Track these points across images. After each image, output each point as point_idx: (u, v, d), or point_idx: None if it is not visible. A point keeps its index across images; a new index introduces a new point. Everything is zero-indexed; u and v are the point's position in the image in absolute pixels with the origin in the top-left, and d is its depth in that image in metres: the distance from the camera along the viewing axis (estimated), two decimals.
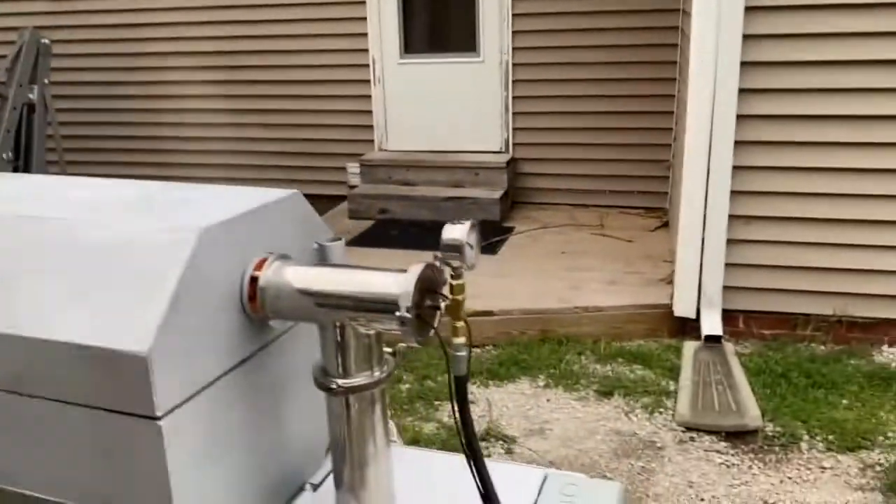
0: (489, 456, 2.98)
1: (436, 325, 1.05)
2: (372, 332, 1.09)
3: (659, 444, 3.06)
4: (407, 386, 3.52)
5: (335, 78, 5.82)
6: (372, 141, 5.90)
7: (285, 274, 1.10)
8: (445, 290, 1.07)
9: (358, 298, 1.04)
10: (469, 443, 1.10)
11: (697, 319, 3.81)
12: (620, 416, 3.26)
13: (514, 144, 5.67)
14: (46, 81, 4.53)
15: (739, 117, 3.56)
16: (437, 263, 1.07)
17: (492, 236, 5.00)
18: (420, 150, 5.77)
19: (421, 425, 3.19)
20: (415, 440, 3.06)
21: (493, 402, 3.38)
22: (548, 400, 3.40)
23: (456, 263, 1.05)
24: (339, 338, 1.08)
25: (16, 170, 4.43)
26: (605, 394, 3.42)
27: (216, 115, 6.13)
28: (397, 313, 0.99)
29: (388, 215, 5.43)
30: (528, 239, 5.01)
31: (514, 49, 5.49)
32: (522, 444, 3.07)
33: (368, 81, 5.80)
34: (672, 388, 3.43)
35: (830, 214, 3.62)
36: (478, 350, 3.84)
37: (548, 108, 5.52)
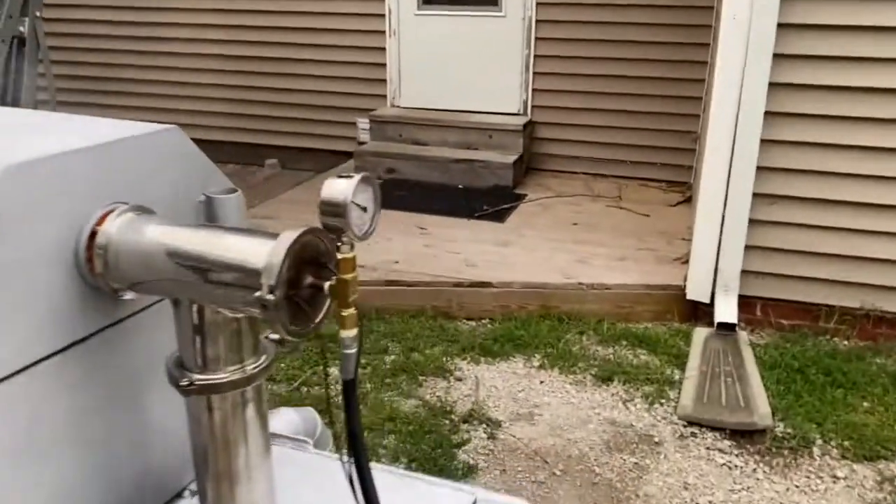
0: (468, 440, 2.75)
1: (322, 313, 0.80)
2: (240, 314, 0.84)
3: (656, 439, 2.80)
4: (392, 357, 3.29)
5: (348, 27, 5.51)
6: (385, 96, 5.62)
7: (133, 231, 0.85)
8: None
9: (209, 268, 0.79)
10: (357, 461, 0.85)
11: (711, 304, 3.52)
12: (618, 405, 3.00)
13: (533, 107, 5.35)
14: (38, 14, 4.29)
15: (772, 85, 3.22)
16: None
17: (501, 203, 4.73)
18: (433, 108, 5.47)
19: (400, 402, 2.96)
20: (390, 418, 2.83)
21: (482, 381, 3.14)
22: (541, 382, 3.15)
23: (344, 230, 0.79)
24: (196, 319, 0.84)
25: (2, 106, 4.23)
26: (604, 379, 3.16)
27: (220, 62, 5.86)
28: (257, 294, 0.74)
29: (396, 175, 5.16)
30: (539, 207, 4.73)
31: (538, 4, 5.14)
32: (507, 429, 2.83)
33: (383, 33, 5.49)
34: (677, 377, 3.16)
35: (863, 198, 3.28)
36: (473, 323, 3.59)
37: (571, 70, 5.18)
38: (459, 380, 3.15)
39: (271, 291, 0.73)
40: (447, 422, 2.85)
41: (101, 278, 0.85)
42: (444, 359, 3.27)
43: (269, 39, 5.70)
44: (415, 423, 2.82)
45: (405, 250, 3.97)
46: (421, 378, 3.14)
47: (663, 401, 3.02)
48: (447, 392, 3.05)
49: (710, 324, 3.48)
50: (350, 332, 0.79)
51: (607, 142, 5.23)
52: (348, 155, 5.43)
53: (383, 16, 5.44)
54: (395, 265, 3.78)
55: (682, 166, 5.05)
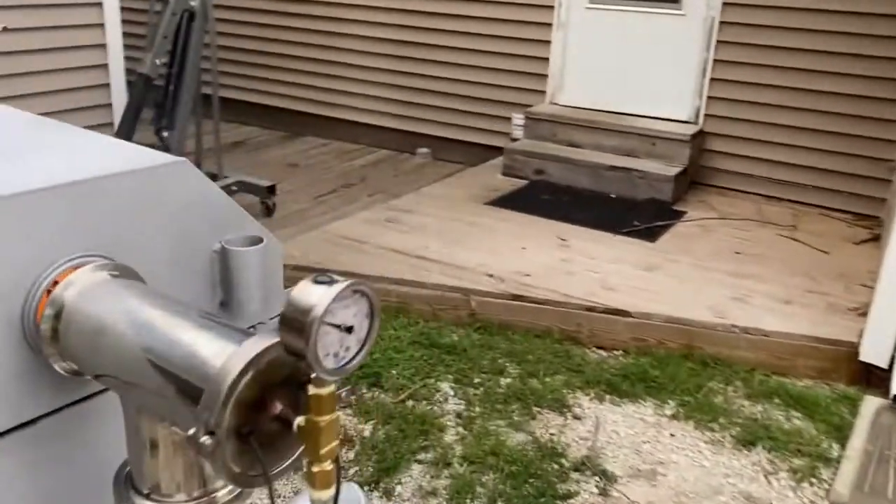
0: (576, 493, 2.46)
1: (288, 460, 0.57)
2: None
3: None
4: (508, 381, 3.04)
5: (514, 18, 5.25)
6: (544, 92, 5.32)
7: (95, 297, 0.66)
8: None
9: (157, 368, 0.58)
10: None
11: (889, 371, 2.99)
12: (758, 477, 2.59)
13: (706, 116, 4.88)
14: None
15: None
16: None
17: (655, 219, 4.32)
18: (593, 109, 5.11)
19: (508, 434, 2.71)
20: (494, 452, 2.59)
21: (603, 424, 2.82)
22: (671, 435, 2.79)
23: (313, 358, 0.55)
24: (148, 428, 0.63)
25: (168, 77, 4.34)
26: (747, 442, 2.75)
27: (380, 45, 5.78)
28: (190, 431, 0.52)
29: (544, 177, 4.88)
30: (699, 229, 4.28)
31: (724, 4, 4.65)
32: (622, 487, 2.51)
33: (550, 25, 5.19)
34: (835, 453, 2.70)
35: None
36: (602, 353, 3.27)
37: (755, 79, 4.65)
38: (577, 418, 2.85)
39: (209, 431, 0.51)
40: (556, 466, 2.57)
41: (49, 349, 0.67)
42: (565, 391, 2.98)
43: (432, 26, 5.56)
44: (520, 462, 2.56)
45: (539, 262, 3.69)
46: (535, 409, 2.87)
47: (814, 480, 2.57)
48: (561, 430, 2.77)
49: (885, 394, 2.96)
50: (323, 495, 0.55)
51: (787, 161, 4.67)
52: (499, 151, 5.19)
53: (552, 8, 5.14)
54: (526, 278, 3.52)
55: (873, 198, 4.42)
